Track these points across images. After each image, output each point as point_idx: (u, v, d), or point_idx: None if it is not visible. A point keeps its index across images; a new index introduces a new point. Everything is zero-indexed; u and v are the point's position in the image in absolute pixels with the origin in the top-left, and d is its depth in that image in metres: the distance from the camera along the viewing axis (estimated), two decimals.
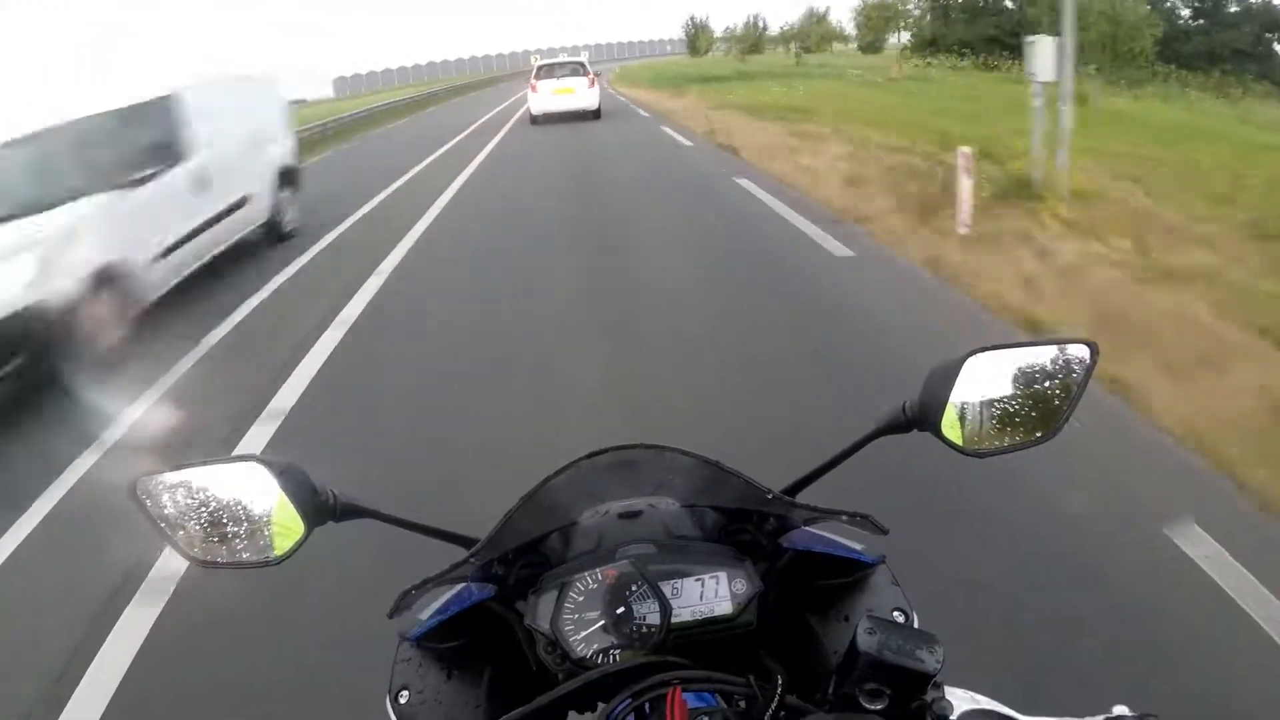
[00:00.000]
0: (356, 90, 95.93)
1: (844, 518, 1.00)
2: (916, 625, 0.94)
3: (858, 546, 0.99)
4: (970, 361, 0.95)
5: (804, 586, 1.01)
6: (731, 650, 0.95)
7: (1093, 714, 0.75)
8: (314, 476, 0.98)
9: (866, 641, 0.74)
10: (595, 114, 22.56)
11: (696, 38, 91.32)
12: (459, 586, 1.01)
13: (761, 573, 0.98)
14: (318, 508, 0.97)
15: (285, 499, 0.94)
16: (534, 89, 22.92)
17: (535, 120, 22.73)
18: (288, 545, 0.96)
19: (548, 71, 23.15)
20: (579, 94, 22.49)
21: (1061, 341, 0.98)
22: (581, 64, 23.63)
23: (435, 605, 1.00)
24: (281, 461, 0.96)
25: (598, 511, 1.07)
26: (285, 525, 0.95)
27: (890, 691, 0.73)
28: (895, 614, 0.95)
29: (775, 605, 0.99)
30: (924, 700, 0.74)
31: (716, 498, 1.05)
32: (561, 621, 0.93)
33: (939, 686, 0.76)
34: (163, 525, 0.95)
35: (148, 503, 0.95)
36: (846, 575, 1.00)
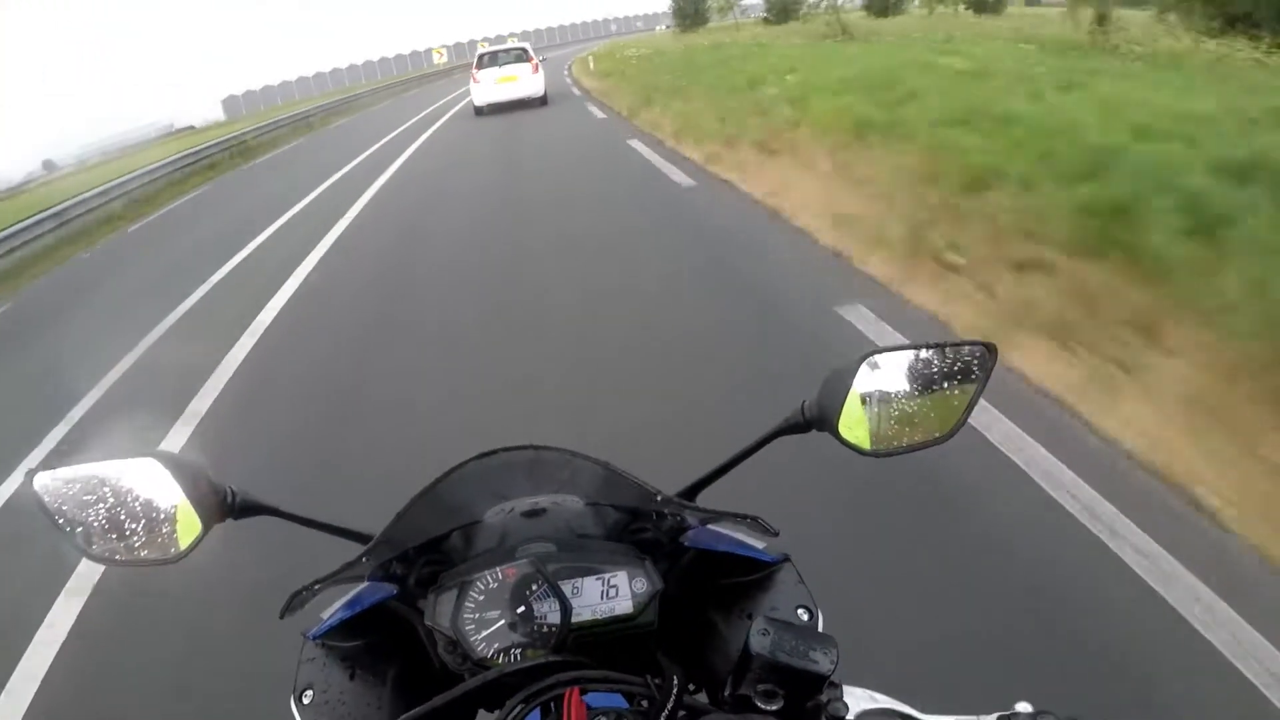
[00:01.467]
0: (254, 107, 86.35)
1: (733, 519, 1.00)
2: (821, 623, 0.95)
3: (760, 545, 1.00)
4: (865, 363, 0.96)
5: (708, 585, 1.02)
6: (633, 650, 0.95)
7: (991, 711, 0.76)
8: (213, 474, 0.97)
9: (759, 643, 0.74)
10: (541, 100, 22.02)
11: None
12: (362, 585, 1.00)
13: (663, 571, 0.98)
14: (216, 505, 0.96)
15: (183, 496, 0.93)
16: (475, 79, 22.29)
17: (480, 112, 22.14)
18: (186, 543, 0.94)
19: (490, 60, 22.42)
20: (523, 81, 21.95)
21: (960, 343, 0.99)
22: (524, 49, 22.84)
23: (338, 604, 0.99)
24: (181, 459, 0.95)
25: (502, 510, 1.07)
26: (183, 523, 0.94)
27: (785, 692, 0.74)
28: (800, 611, 0.96)
29: (678, 604, 0.99)
30: (819, 700, 0.75)
31: (616, 497, 1.06)
32: (462, 621, 0.92)
33: (836, 686, 0.77)
34: (60, 521, 0.93)
35: (45, 498, 0.93)
36: (751, 574, 1.01)
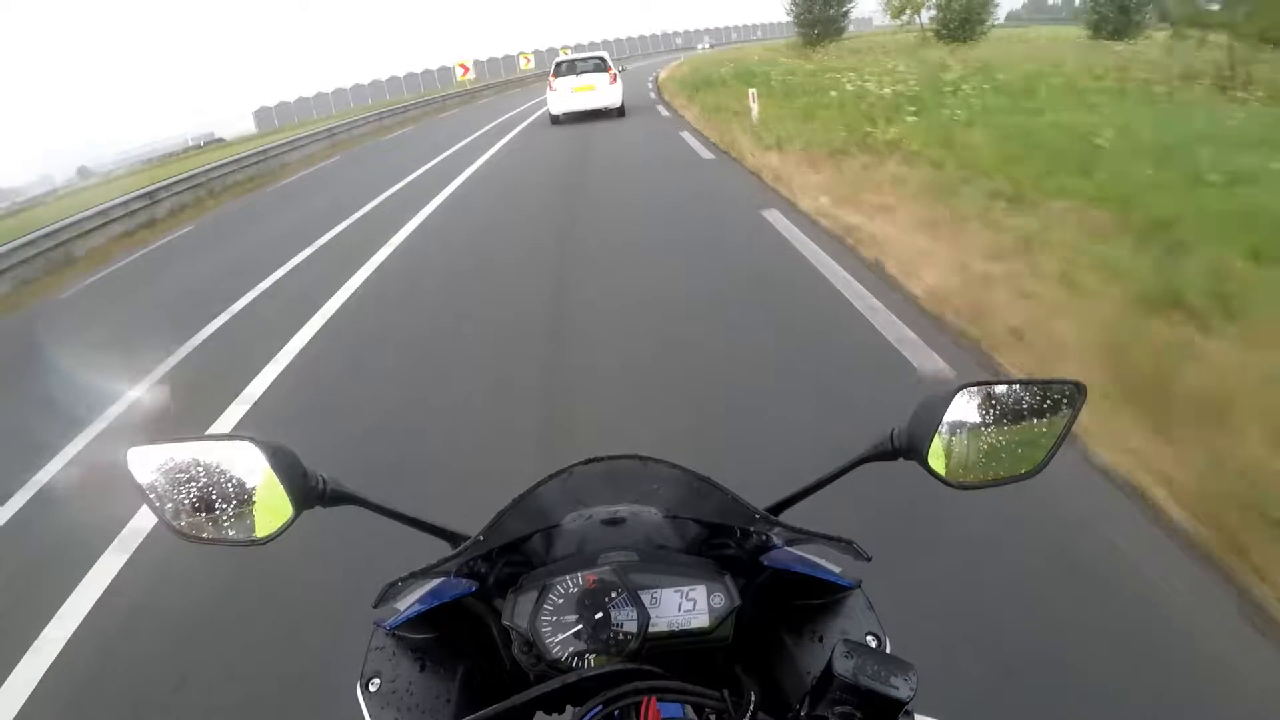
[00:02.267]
0: (287, 120, 79.30)
1: (828, 541, 1.00)
2: (889, 651, 0.94)
3: (835, 569, 1.00)
4: (960, 395, 0.96)
5: (780, 605, 1.02)
6: (705, 663, 0.96)
7: None
8: (305, 460, 1.00)
9: (843, 664, 0.74)
10: (619, 111, 21.64)
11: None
12: (439, 580, 1.02)
13: (740, 588, 0.98)
14: (307, 491, 0.98)
15: (275, 480, 0.95)
16: (552, 88, 21.96)
17: (556, 120, 21.84)
18: (274, 527, 0.97)
19: (568, 68, 22.07)
20: (600, 91, 21.51)
21: (1050, 381, 0.99)
22: (603, 59, 22.35)
23: (414, 596, 1.01)
24: (274, 442, 0.97)
25: (581, 515, 1.08)
26: (273, 506, 0.96)
27: (862, 715, 0.74)
28: (869, 638, 0.96)
29: (751, 622, 0.99)
30: None
31: (700, 511, 1.06)
32: (539, 622, 0.93)
33: (910, 715, 0.76)
34: (152, 496, 0.96)
35: (138, 472, 0.96)
36: (822, 596, 1.01)
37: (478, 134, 23.15)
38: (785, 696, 0.94)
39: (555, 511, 1.08)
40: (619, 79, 21.83)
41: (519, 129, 22.98)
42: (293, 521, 0.97)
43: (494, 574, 1.03)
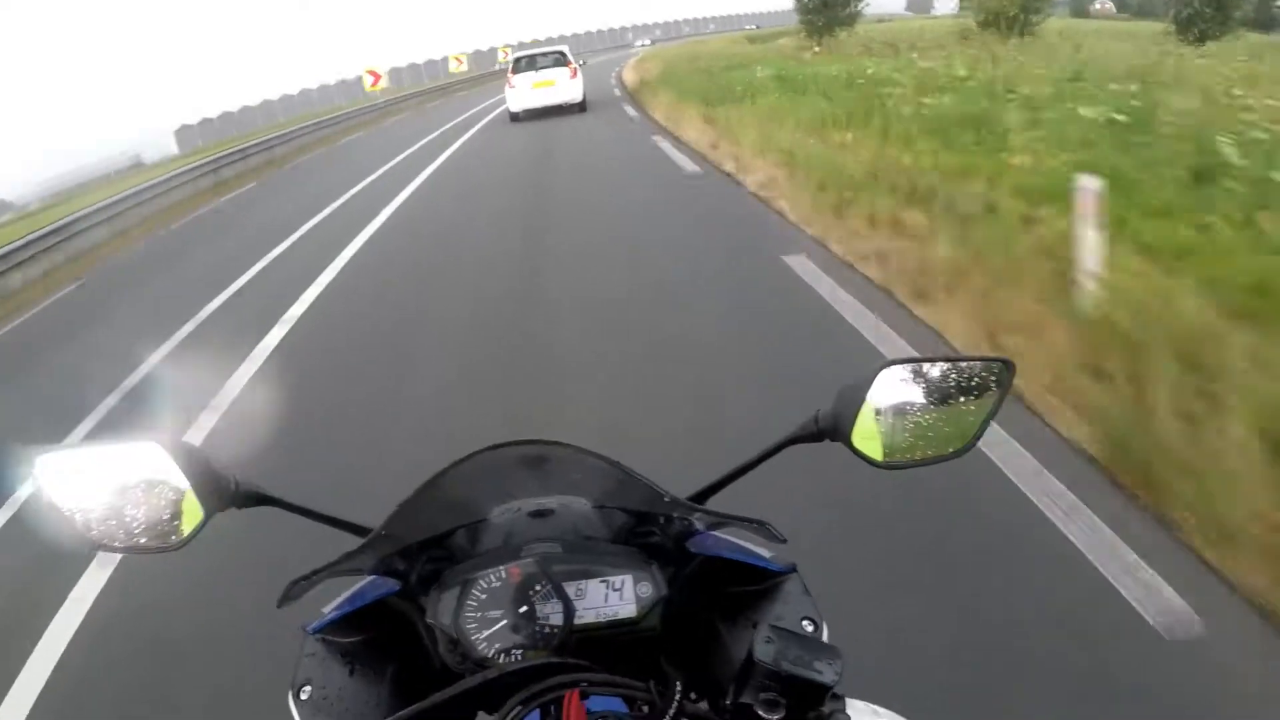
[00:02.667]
0: (211, 137, 65.89)
1: (742, 523, 0.98)
2: (826, 635, 0.93)
3: (767, 554, 0.99)
4: (883, 373, 0.95)
5: (714, 593, 1.01)
6: (636, 654, 0.94)
7: None
8: (216, 462, 0.97)
9: (764, 650, 0.73)
10: (580, 107, 21.00)
11: None
12: (365, 580, 1.00)
13: (669, 577, 0.97)
14: (219, 494, 0.95)
15: (186, 484, 0.93)
16: (511, 84, 21.24)
17: (516, 118, 21.26)
18: (186, 531, 0.94)
19: (526, 64, 21.36)
20: (560, 86, 20.87)
21: (978, 358, 0.98)
22: (562, 53, 21.61)
23: (340, 598, 0.99)
24: (184, 445, 0.94)
25: (509, 509, 1.06)
26: (184, 510, 0.94)
27: (787, 701, 0.73)
28: (805, 623, 0.95)
29: (683, 610, 0.98)
30: (821, 712, 0.73)
31: (625, 499, 1.05)
32: (464, 619, 0.92)
33: (839, 699, 0.75)
34: (61, 506, 0.93)
35: (47, 481, 0.93)
36: (758, 583, 0.99)
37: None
38: (718, 685, 0.93)
39: (481, 504, 1.06)
40: (579, 73, 21.37)
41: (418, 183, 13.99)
42: (204, 524, 0.94)
43: (417, 571, 1.01)
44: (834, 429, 0.98)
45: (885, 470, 0.98)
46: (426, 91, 46.31)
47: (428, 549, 1.03)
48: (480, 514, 1.06)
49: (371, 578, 1.00)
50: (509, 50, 59.99)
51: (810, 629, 0.94)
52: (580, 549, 0.98)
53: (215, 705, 2.82)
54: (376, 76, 43.36)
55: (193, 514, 0.93)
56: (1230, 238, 5.65)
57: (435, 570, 1.00)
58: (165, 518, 0.94)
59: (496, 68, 52.54)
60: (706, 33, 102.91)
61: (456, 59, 64.11)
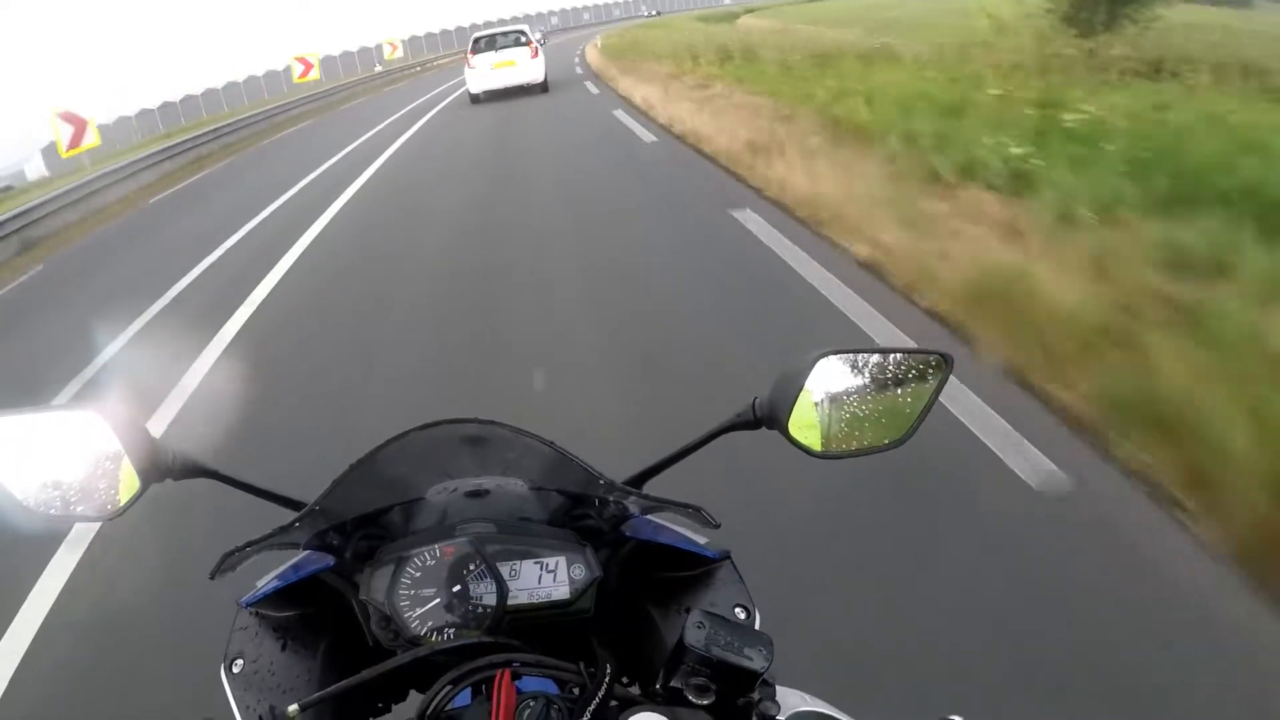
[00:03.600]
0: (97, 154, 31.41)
1: (677, 508, 0.99)
2: (758, 622, 0.94)
3: (701, 540, 0.99)
4: (821, 363, 0.95)
5: (648, 577, 1.01)
6: (570, 636, 0.95)
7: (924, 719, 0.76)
8: (154, 431, 0.96)
9: (694, 635, 0.74)
10: (542, 87, 20.47)
11: None
12: (301, 554, 0.99)
13: (603, 560, 0.97)
14: (156, 464, 0.94)
15: (123, 453, 0.92)
16: (470, 65, 20.73)
17: (476, 99, 20.83)
18: (124, 500, 0.93)
19: (486, 44, 20.72)
20: (521, 67, 20.31)
21: (916, 350, 0.99)
22: (522, 32, 20.96)
23: (274, 572, 0.98)
24: (122, 414, 0.93)
25: (445, 488, 1.06)
26: (120, 479, 0.93)
27: (716, 687, 0.73)
28: (737, 610, 0.95)
29: (616, 594, 0.99)
30: (751, 698, 0.74)
31: (562, 481, 1.05)
32: (397, 597, 0.92)
33: (770, 685, 0.76)
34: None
35: None
36: (692, 568, 1.00)
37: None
38: (650, 668, 0.93)
39: (419, 483, 1.06)
40: (540, 53, 20.94)
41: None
42: (140, 494, 0.93)
43: (351, 547, 1.00)
44: (771, 417, 0.98)
45: (821, 460, 0.99)
46: (357, 83, 39.14)
47: (363, 526, 1.03)
48: (417, 492, 1.06)
49: (307, 552, 0.99)
50: (396, 45, 55.51)
51: (743, 616, 0.95)
52: (515, 530, 0.98)
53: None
54: (307, 66, 38.44)
55: (130, 484, 0.93)
56: None
57: (370, 547, 0.99)
58: (102, 487, 0.93)
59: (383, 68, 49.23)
60: (613, 19, 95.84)
61: (391, 44, 57.52)
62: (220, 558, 0.94)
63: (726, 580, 0.99)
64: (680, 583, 1.00)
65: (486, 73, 20.54)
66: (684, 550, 0.98)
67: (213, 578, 0.94)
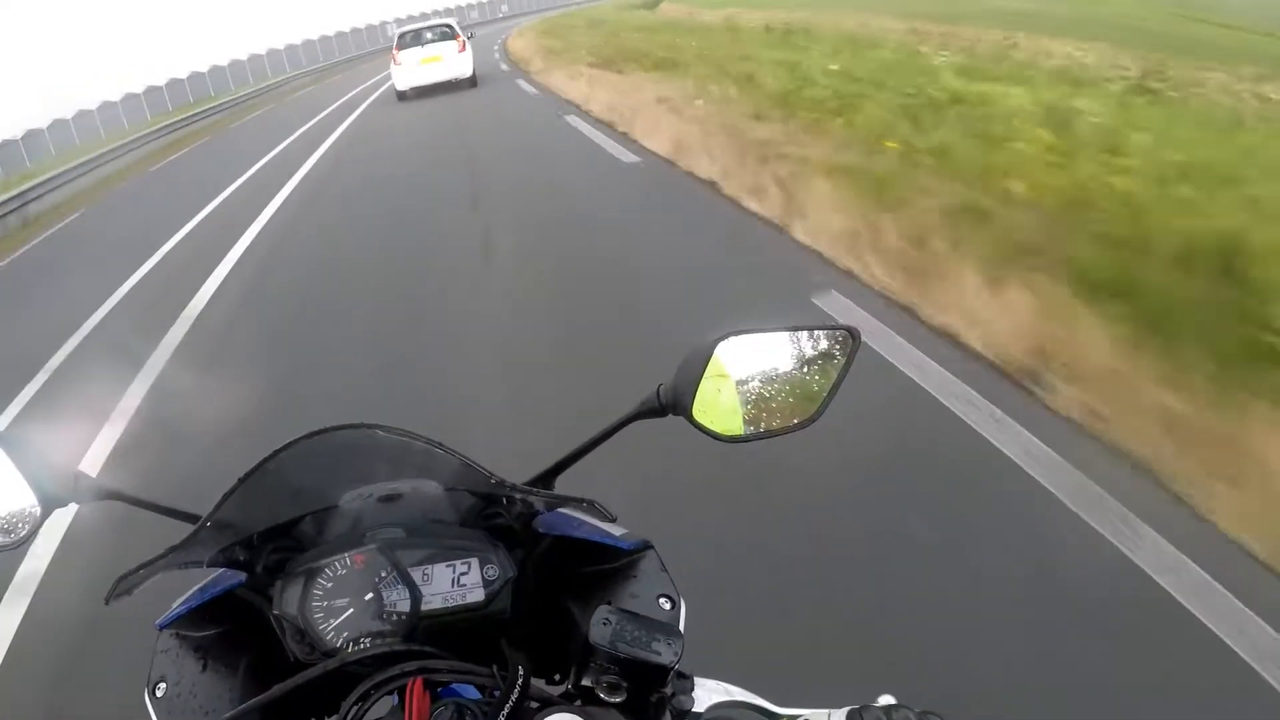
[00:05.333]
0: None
1: (572, 503, 0.99)
2: (683, 612, 0.93)
3: (618, 532, 0.98)
4: (723, 345, 0.94)
5: (569, 572, 1.00)
6: (490, 639, 0.93)
7: (855, 704, 0.76)
8: (53, 457, 0.94)
9: (599, 633, 0.73)
10: (471, 82, 20.06)
11: None
12: (216, 573, 0.97)
13: (520, 559, 0.97)
14: (57, 489, 0.93)
15: (21, 479, 0.90)
16: (396, 61, 20.35)
17: (403, 96, 20.46)
18: (25, 528, 0.92)
19: (412, 39, 20.40)
20: (448, 61, 19.97)
21: (823, 327, 0.98)
22: (450, 26, 20.83)
23: (188, 593, 0.96)
24: (20, 440, 0.92)
25: (359, 494, 1.04)
26: (20, 506, 0.92)
27: (628, 684, 0.73)
28: (661, 600, 0.94)
29: (536, 591, 0.98)
30: (664, 693, 0.74)
31: (472, 481, 1.03)
32: (310, 609, 0.90)
33: (687, 678, 0.76)
34: None
35: None
36: (615, 561, 0.99)
37: None
38: (568, 668, 0.93)
39: (332, 490, 1.04)
40: (468, 46, 20.58)
41: None
42: (43, 521, 0.92)
43: (263, 561, 0.99)
44: (675, 404, 0.97)
45: (729, 444, 0.98)
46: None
47: (273, 538, 1.01)
48: (330, 500, 1.04)
49: (221, 570, 0.97)
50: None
51: (667, 606, 0.93)
52: (426, 533, 0.97)
53: None
54: None
55: (32, 511, 0.91)
56: None
57: (282, 560, 0.98)
58: (2, 516, 0.92)
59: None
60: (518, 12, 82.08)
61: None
62: (115, 581, 0.92)
63: (649, 571, 0.97)
64: (601, 577, 0.98)
65: (413, 69, 20.21)
66: (603, 544, 0.97)
67: (108, 602, 0.92)
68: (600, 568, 0.98)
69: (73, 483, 0.94)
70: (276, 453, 0.92)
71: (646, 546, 0.98)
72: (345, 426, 0.95)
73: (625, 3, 49.18)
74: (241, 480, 0.92)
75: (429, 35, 20.57)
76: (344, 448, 0.98)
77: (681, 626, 0.87)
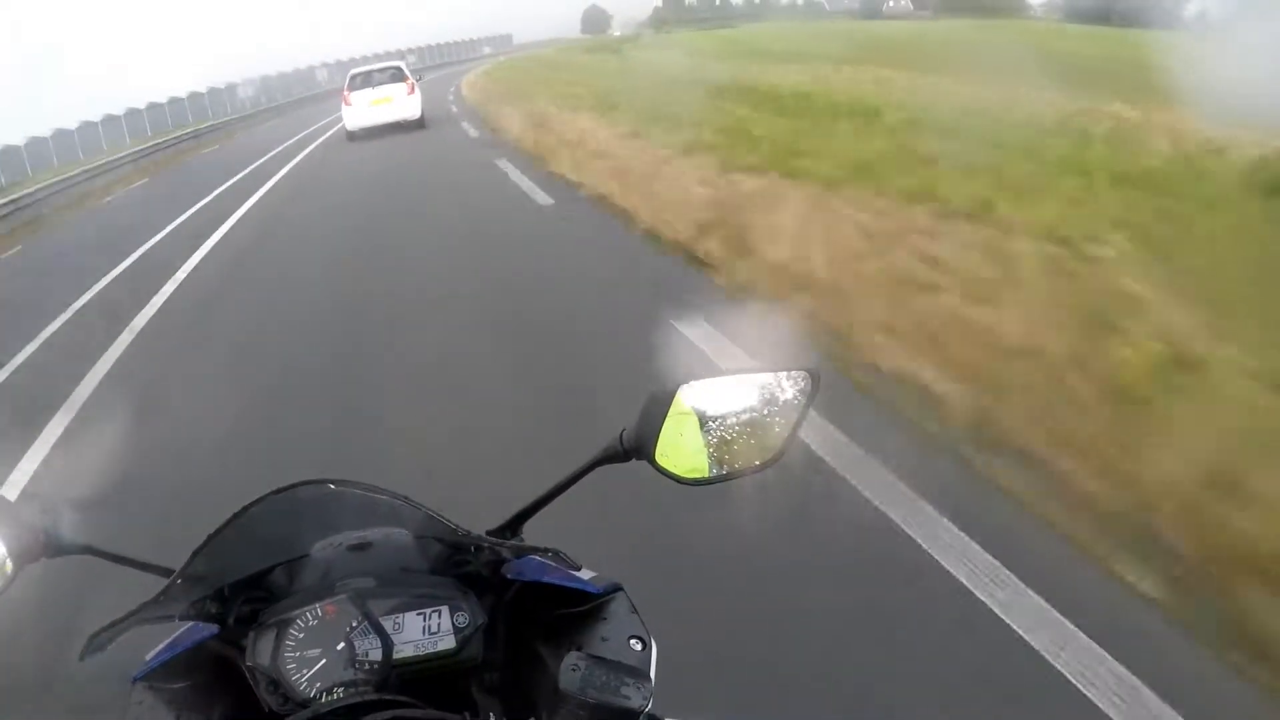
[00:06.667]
0: None
1: (537, 552, 1.00)
2: (655, 653, 0.93)
3: (588, 576, 0.99)
4: (684, 389, 0.96)
5: (540, 617, 1.01)
6: (459, 685, 0.95)
7: None
8: (24, 512, 0.94)
9: (569, 680, 0.74)
10: (419, 123, 20.61)
11: None
12: (187, 625, 0.97)
13: (489, 605, 0.98)
14: (28, 545, 0.93)
15: None
16: (348, 102, 20.70)
17: (353, 136, 20.77)
18: None
19: (363, 80, 20.95)
20: (398, 103, 20.51)
21: (783, 369, 1.00)
22: (399, 68, 21.47)
23: (161, 645, 0.96)
24: None
25: (329, 544, 1.04)
26: None
27: None
28: (632, 642, 0.94)
29: (508, 637, 0.99)
30: None
31: (440, 530, 1.04)
32: (283, 660, 0.91)
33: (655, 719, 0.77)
34: None
35: None
36: (585, 604, 0.99)
37: None
38: (541, 713, 0.94)
39: (301, 541, 1.04)
40: (417, 89, 21.09)
41: None
42: (14, 576, 0.92)
43: (234, 613, 0.99)
44: (638, 448, 0.98)
45: (691, 487, 0.99)
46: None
47: (245, 590, 1.01)
48: (301, 550, 1.04)
49: (192, 623, 0.97)
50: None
51: (639, 648, 0.93)
52: (396, 582, 0.98)
53: None
54: None
55: (2, 567, 0.91)
56: None
57: (254, 611, 0.98)
58: None
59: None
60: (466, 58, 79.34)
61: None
62: (89, 638, 0.92)
63: (619, 613, 0.98)
64: (572, 620, 0.99)
65: (364, 109, 20.59)
66: (572, 588, 0.98)
67: (82, 659, 0.92)
68: (570, 611, 0.99)
69: (44, 538, 0.94)
70: (246, 509, 0.93)
71: (616, 589, 0.99)
72: (311, 482, 0.96)
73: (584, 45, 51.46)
74: (211, 536, 0.93)
75: (379, 77, 21.04)
76: (312, 499, 0.99)
77: (653, 668, 0.88)
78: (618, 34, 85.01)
